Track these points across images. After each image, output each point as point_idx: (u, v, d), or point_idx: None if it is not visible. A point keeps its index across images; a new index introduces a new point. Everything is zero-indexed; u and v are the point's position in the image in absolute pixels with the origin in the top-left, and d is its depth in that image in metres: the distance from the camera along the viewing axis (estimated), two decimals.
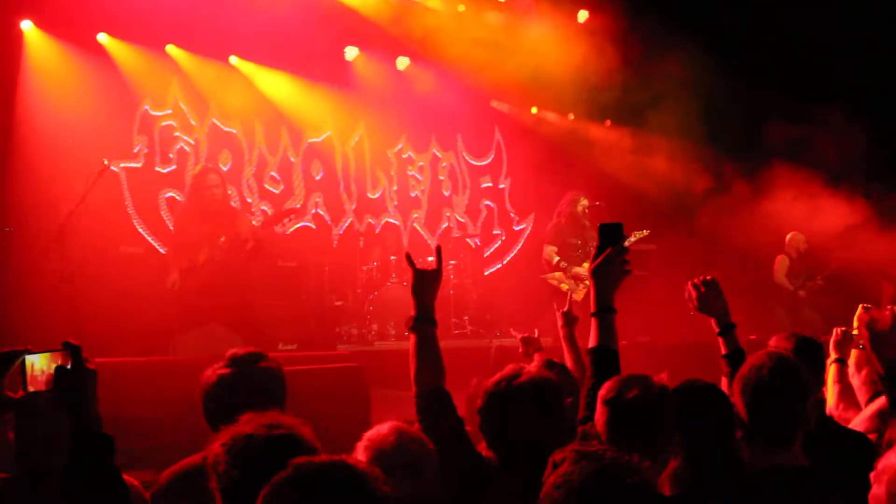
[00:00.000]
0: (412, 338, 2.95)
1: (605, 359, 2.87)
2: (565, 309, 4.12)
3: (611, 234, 2.94)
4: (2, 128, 8.16)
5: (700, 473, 2.67)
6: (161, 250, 8.81)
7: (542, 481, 2.53)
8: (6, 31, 8.43)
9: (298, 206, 10.36)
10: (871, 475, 2.13)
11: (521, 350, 4.14)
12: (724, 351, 3.24)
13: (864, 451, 3.12)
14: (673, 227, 10.29)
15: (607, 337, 2.90)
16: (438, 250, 3.09)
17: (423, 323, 2.94)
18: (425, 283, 2.99)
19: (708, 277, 3.27)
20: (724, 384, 3.12)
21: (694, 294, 3.25)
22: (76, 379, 2.29)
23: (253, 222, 8.36)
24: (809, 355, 3.25)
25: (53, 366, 2.31)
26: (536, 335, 4.21)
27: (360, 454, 2.54)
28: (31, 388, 2.34)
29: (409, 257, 3.10)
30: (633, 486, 1.86)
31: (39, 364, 2.34)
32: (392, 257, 9.84)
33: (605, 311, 2.90)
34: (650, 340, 8.91)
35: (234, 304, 7.00)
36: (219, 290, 6.90)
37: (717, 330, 3.27)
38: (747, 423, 2.73)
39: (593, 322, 2.93)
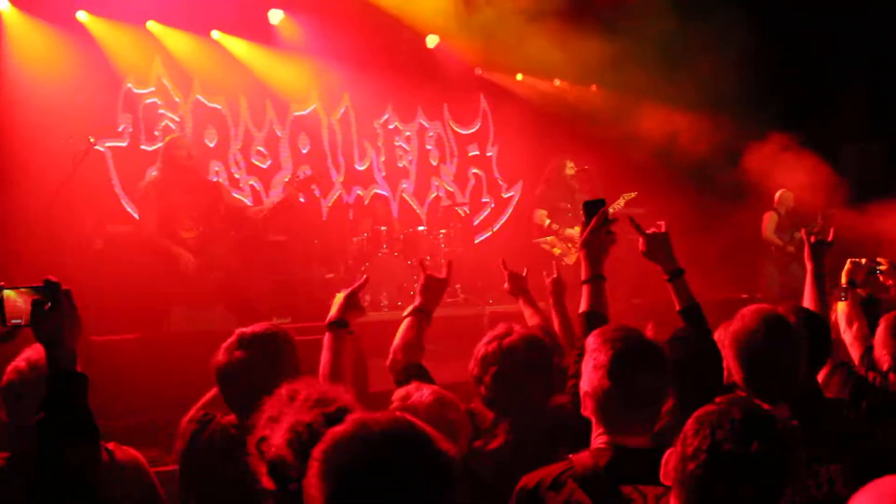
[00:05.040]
0: (409, 321, 3.38)
1: (596, 323, 2.94)
2: (554, 276, 4.16)
3: (595, 210, 3.21)
4: None
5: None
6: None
7: (535, 431, 2.72)
8: None
9: (310, 172, 10.14)
10: None
11: (506, 287, 4.13)
12: (678, 306, 3.18)
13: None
14: (662, 188, 10.27)
15: (598, 302, 3.07)
16: (449, 265, 3.56)
17: (423, 315, 3.40)
18: (432, 287, 3.46)
19: (662, 228, 3.29)
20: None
21: (643, 239, 3.28)
22: (55, 314, 2.27)
23: (246, 201, 8.28)
24: (812, 329, 3.19)
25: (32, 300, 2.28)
26: (525, 274, 4.17)
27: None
28: (11, 322, 2.32)
29: (423, 263, 3.61)
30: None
31: (19, 299, 2.32)
32: (382, 228, 9.82)
33: (595, 279, 3.11)
34: (642, 302, 8.94)
35: (227, 280, 6.97)
36: (211, 266, 6.87)
37: (665, 277, 3.24)
38: (742, 381, 2.78)
39: (585, 288, 3.12)
